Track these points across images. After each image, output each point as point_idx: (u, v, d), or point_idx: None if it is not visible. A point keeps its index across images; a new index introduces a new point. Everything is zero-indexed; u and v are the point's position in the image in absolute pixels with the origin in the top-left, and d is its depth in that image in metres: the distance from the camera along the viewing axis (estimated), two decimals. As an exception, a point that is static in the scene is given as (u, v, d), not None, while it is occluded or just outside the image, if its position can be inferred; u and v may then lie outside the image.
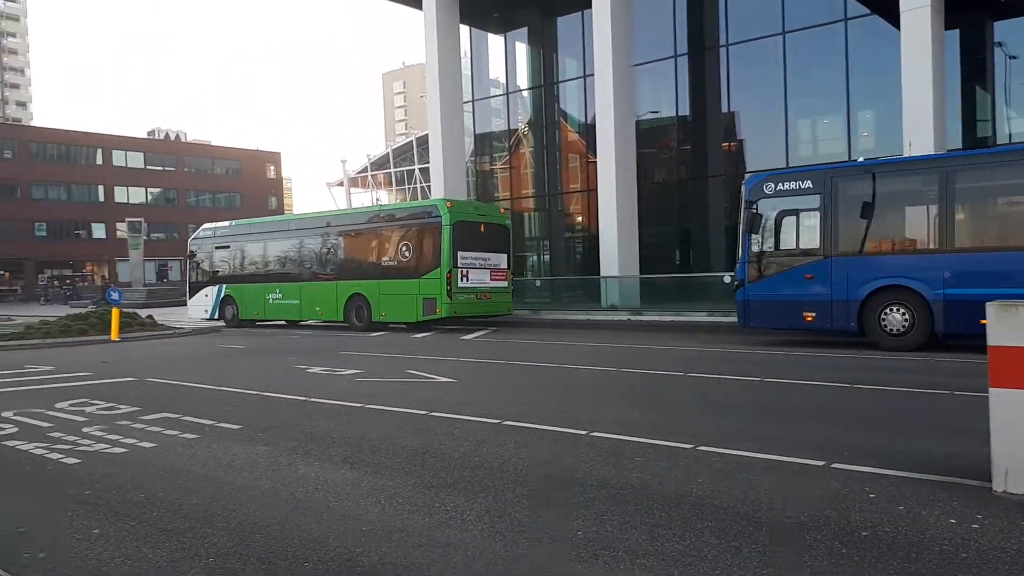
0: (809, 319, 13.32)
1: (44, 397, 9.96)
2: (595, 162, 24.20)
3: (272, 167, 77.51)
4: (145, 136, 75.09)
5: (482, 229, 19.59)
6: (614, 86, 22.64)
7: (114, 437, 7.32)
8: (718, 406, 8.54)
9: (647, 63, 24.90)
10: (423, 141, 68.80)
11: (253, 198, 72.38)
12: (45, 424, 8.08)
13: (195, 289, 24.87)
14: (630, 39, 23.61)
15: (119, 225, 52.57)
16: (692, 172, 25.49)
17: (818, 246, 13.24)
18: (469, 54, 29.59)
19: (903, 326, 12.44)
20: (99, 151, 64.49)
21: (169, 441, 7.11)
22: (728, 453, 6.00)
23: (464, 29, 28.39)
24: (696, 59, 24.75)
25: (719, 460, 5.83)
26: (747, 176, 16.47)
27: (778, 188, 13.61)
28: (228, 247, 24.27)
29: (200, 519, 4.79)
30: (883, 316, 12.58)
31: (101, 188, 63.91)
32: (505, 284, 20.08)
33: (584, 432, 6.85)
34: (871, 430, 6.90)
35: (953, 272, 11.91)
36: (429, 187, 63.73)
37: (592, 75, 24.29)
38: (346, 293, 20.14)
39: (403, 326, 20.29)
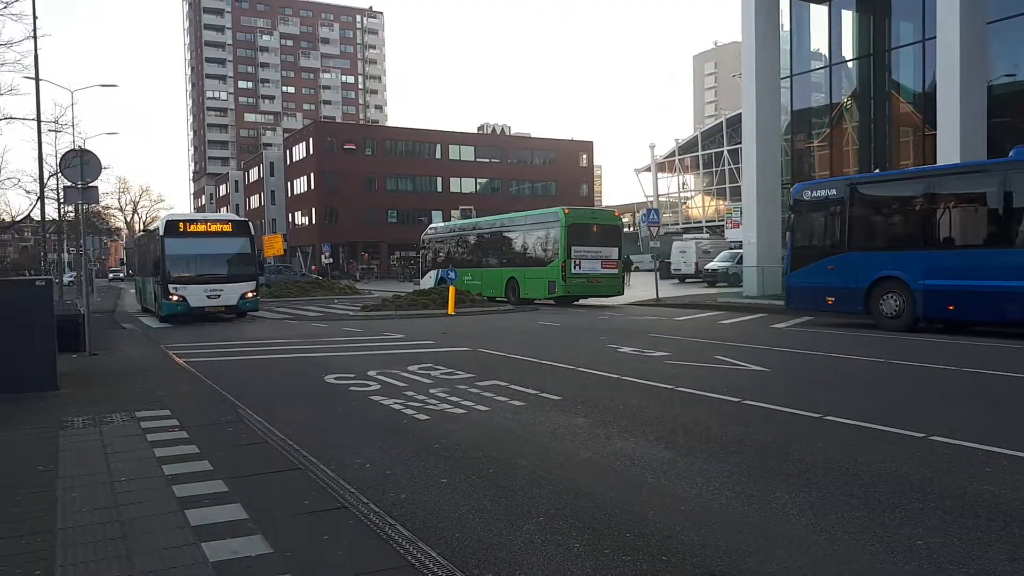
0: (830, 302, 15.94)
1: (398, 360, 11.56)
2: (933, 135, 21.35)
3: (584, 156, 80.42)
4: (475, 131, 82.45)
5: (595, 229, 24.51)
6: (961, 47, 19.69)
7: (455, 399, 8.26)
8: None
9: (1004, 19, 21.26)
10: (733, 122, 66.37)
11: (567, 186, 75.94)
12: (400, 383, 9.39)
13: (424, 272, 32.18)
14: (983, -7, 20.35)
15: (453, 212, 58.52)
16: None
17: (838, 243, 15.90)
18: (789, 27, 27.88)
19: (895, 310, 14.74)
20: (438, 146, 72.42)
21: (499, 406, 7.84)
22: (1118, 476, 5.00)
23: (784, 1, 26.77)
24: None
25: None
26: (794, 185, 19.07)
27: (813, 195, 16.70)
28: (443, 242, 31.03)
29: (529, 480, 5.24)
30: (882, 301, 14.96)
31: (439, 179, 71.78)
32: (615, 271, 24.72)
33: (920, 435, 6.18)
34: None
35: (929, 266, 14.17)
36: (738, 169, 61.62)
37: (933, 38, 21.40)
38: (505, 277, 26.09)
39: (605, 302, 25.32)
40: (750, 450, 5.88)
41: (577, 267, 23.55)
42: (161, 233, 19.96)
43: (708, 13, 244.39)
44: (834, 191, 16.18)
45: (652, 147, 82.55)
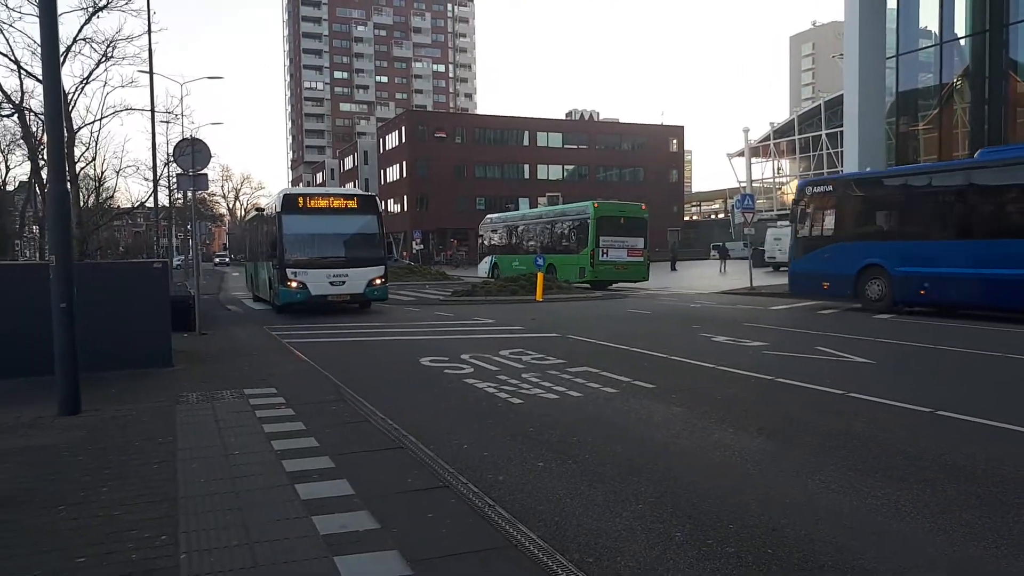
0: (825, 287, 17.48)
1: (490, 345, 11.69)
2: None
3: (675, 141, 78.80)
4: (563, 118, 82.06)
5: (622, 221, 27.34)
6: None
7: (547, 384, 8.29)
8: None
9: None
10: (832, 104, 63.63)
11: (655, 171, 74.70)
12: (493, 367, 9.50)
13: (480, 258, 35.77)
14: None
15: (540, 199, 58.51)
16: None
17: (832, 234, 17.47)
18: (895, 3, 26.45)
19: (878, 294, 16.33)
20: (526, 133, 72.47)
21: (592, 393, 7.82)
22: None
23: (891, -23, 25.45)
24: None
25: None
26: (798, 181, 21.38)
27: (813, 191, 18.51)
28: (496, 231, 34.29)
29: (626, 468, 5.21)
30: (867, 286, 16.52)
31: (527, 166, 71.88)
32: (641, 259, 27.35)
33: (1048, 435, 5.80)
34: None
35: (904, 255, 15.70)
36: (837, 153, 59.08)
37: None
38: (546, 262, 27.17)
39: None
40: (856, 444, 5.66)
41: (604, 255, 26.49)
42: (278, 209, 17.34)
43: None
44: (830, 187, 18.23)
45: (746, 131, 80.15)
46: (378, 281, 17.83)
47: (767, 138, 77.77)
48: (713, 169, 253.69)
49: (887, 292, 16.06)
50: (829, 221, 17.73)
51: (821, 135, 68.75)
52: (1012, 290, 13.64)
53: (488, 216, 37.12)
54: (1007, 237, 13.96)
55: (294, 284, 16.93)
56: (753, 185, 78.46)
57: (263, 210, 22.28)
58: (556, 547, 3.77)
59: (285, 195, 17.76)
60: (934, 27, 25.93)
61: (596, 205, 27.18)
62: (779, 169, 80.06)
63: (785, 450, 5.57)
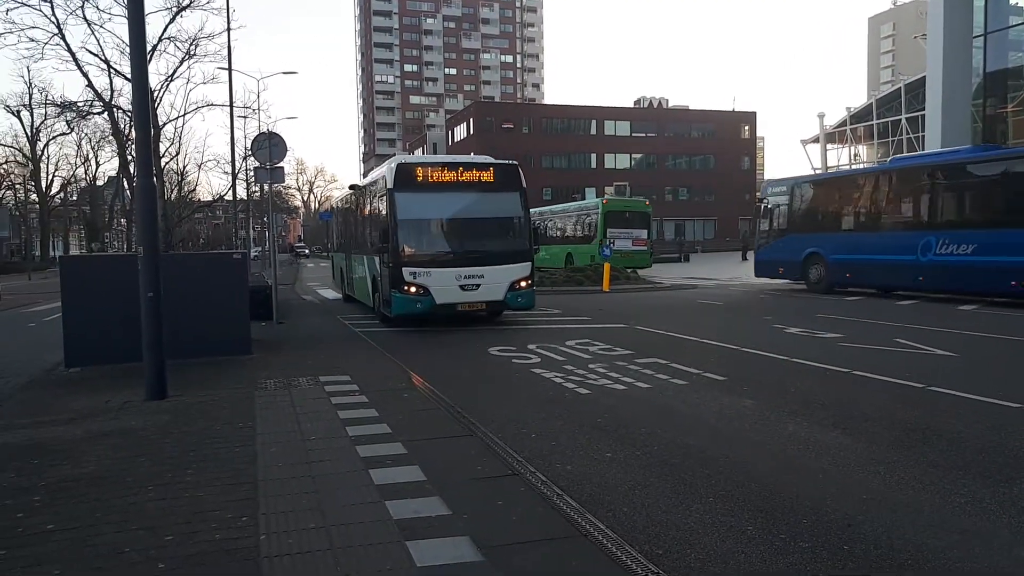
0: (780, 272, 20.80)
1: (556, 335, 11.71)
2: None
3: (746, 127, 76.81)
4: (632, 106, 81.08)
5: (627, 215, 30.83)
6: None
7: (614, 375, 8.26)
8: None
9: None
10: (913, 87, 60.80)
11: (726, 159, 73.04)
12: (559, 358, 9.51)
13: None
14: None
15: (607, 189, 58.07)
16: None
17: (786, 228, 20.67)
18: (986, -23, 25.13)
19: (818, 277, 19.31)
20: (593, 122, 71.83)
21: (661, 384, 7.75)
22: None
23: (980, -50, 24.19)
24: None
25: None
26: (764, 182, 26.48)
27: (772, 190, 21.69)
28: (539, 222, 35.44)
29: (697, 459, 5.16)
30: (810, 271, 19.55)
31: (594, 156, 71.23)
32: (644, 248, 30.91)
33: None
34: None
35: (836, 245, 18.75)
36: (918, 138, 56.57)
37: None
38: (566, 251, 31.71)
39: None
40: (937, 440, 5.46)
41: (612, 244, 29.26)
42: (389, 185, 12.86)
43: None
44: (784, 187, 21.21)
45: (821, 116, 77.40)
46: (524, 284, 13.28)
47: (843, 123, 75.09)
48: (788, 156, 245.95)
49: (824, 276, 19.10)
50: (783, 216, 20.83)
51: (901, 119, 65.94)
52: (906, 273, 16.66)
53: (535, 210, 40.24)
54: (903, 230, 17.11)
55: (413, 289, 12.50)
56: (829, 172, 76.00)
57: (361, 186, 17.60)
58: (625, 538, 3.77)
59: (399, 166, 13.09)
60: (1027, 3, 24.56)
61: (604, 202, 31.63)
62: (856, 155, 77.26)
63: (861, 444, 5.41)
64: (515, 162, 14.25)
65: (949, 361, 8.95)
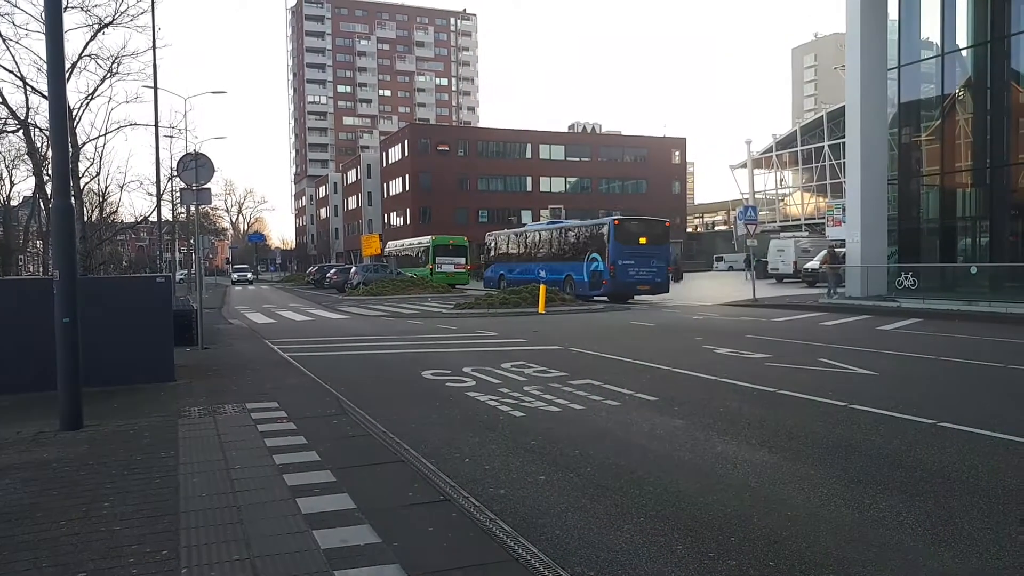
0: (491, 284, 35.00)
1: (492, 358, 11.69)
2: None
3: (677, 153, 78.89)
4: (566, 130, 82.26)
5: (451, 246, 43.67)
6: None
7: (549, 397, 8.29)
8: None
9: None
10: (835, 116, 63.67)
11: (658, 184, 74.74)
12: (495, 380, 9.49)
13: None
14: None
15: (543, 212, 58.57)
16: None
17: (494, 258, 36.07)
18: (897, 14, 26.55)
19: (505, 286, 31.29)
20: (528, 146, 72.67)
21: (595, 405, 7.81)
22: None
23: (893, -12, 25.55)
24: None
25: None
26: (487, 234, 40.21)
27: (489, 237, 37.94)
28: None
29: (628, 480, 5.20)
30: (501, 283, 33.26)
31: (529, 179, 72.00)
32: (464, 271, 42.57)
33: (1051, 446, 5.78)
34: None
35: (513, 269, 33.00)
36: (839, 164, 59.12)
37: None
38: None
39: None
40: (859, 456, 5.65)
41: (440, 267, 41.11)
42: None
43: (806, 4, 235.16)
44: (492, 237, 36.55)
45: (748, 143, 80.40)
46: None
47: (769, 149, 77.91)
48: (716, 181, 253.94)
49: (506, 286, 30.64)
50: (493, 251, 35.98)
51: (824, 146, 68.86)
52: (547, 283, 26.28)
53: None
54: (540, 261, 31.04)
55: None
56: (756, 196, 78.54)
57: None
58: (558, 560, 3.76)
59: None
60: (935, 38, 25.98)
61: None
62: (782, 180, 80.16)
63: (786, 462, 5.55)
64: None
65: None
